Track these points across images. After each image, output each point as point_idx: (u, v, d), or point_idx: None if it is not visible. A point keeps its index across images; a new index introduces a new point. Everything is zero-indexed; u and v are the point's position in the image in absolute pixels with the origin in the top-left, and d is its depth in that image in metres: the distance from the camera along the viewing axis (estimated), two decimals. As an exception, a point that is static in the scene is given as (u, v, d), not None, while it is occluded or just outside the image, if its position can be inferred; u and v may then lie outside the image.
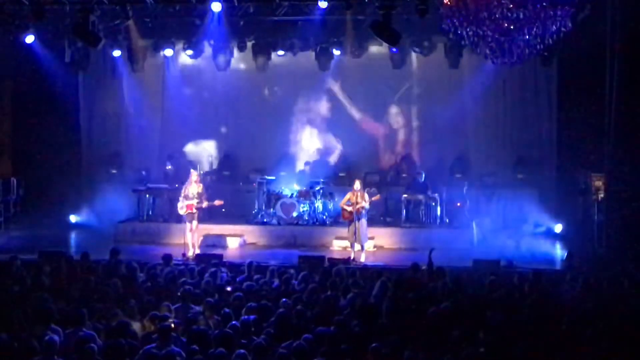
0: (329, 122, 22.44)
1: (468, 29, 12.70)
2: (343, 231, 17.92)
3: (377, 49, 20.55)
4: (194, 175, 17.50)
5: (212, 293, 12.00)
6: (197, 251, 17.31)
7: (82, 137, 22.40)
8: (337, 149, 22.40)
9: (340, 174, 21.67)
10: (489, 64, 14.58)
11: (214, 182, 20.91)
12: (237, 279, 13.30)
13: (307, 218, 19.67)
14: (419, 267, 13.90)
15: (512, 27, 12.54)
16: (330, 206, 19.68)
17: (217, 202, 17.57)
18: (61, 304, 11.15)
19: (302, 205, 19.67)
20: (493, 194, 20.36)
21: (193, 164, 20.51)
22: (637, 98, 16.66)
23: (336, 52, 20.55)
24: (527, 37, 12.71)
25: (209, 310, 10.84)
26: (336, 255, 17.02)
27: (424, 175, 20.05)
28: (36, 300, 11.19)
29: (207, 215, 18.25)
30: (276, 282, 13.02)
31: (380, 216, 19.98)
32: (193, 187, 17.32)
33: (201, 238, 18.05)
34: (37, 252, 15.94)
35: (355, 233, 16.96)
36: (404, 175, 21.59)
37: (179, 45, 20.95)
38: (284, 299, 11.44)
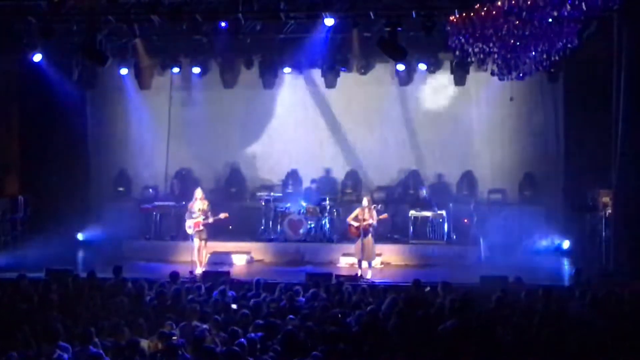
0: (335, 139, 22.41)
1: (474, 46, 12.75)
2: (350, 248, 17.91)
3: (383, 66, 20.63)
4: (198, 192, 17.57)
5: (219, 311, 11.98)
6: (205, 268, 17.31)
7: (89, 155, 22.39)
8: (344, 166, 22.33)
9: (347, 191, 21.67)
10: (495, 81, 14.56)
11: (220, 199, 20.85)
12: (245, 297, 13.28)
13: (314, 235, 19.65)
14: (421, 283, 13.86)
15: (518, 43, 12.58)
16: (338, 223, 19.66)
17: (222, 215, 17.58)
18: (69, 322, 11.15)
19: (309, 222, 19.66)
20: (500, 211, 20.31)
21: (198, 182, 20.52)
22: (644, 114, 16.64)
23: (342, 70, 20.59)
24: (534, 53, 12.75)
25: (215, 328, 10.83)
26: (343, 272, 17.02)
27: (428, 192, 20.05)
28: (44, 318, 11.20)
29: (214, 233, 18.21)
30: (283, 299, 13.00)
31: (387, 233, 19.93)
32: (198, 204, 17.40)
33: (208, 255, 18.03)
34: (45, 270, 15.99)
35: (362, 249, 16.96)
36: (410, 192, 21.54)
37: (186, 63, 21.04)
38: (291, 316, 11.42)
